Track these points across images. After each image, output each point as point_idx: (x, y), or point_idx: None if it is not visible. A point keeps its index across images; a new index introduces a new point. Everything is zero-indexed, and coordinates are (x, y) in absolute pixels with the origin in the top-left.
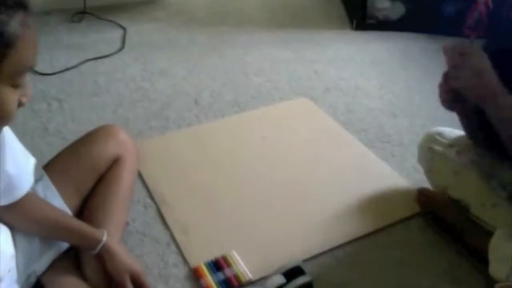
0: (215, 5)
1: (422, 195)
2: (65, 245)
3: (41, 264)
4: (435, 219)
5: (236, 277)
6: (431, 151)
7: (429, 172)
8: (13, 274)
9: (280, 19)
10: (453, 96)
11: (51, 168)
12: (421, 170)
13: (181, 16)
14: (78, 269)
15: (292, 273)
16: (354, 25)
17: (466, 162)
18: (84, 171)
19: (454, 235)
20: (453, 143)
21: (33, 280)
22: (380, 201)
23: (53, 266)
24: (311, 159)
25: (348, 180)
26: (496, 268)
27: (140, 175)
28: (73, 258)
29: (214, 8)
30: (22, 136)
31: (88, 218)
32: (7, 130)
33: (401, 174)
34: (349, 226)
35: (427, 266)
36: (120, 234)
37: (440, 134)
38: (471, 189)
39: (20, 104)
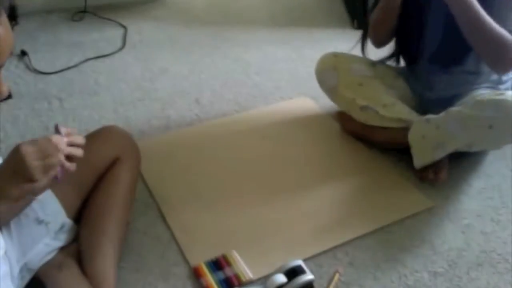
0: (216, 4)
1: (340, 114)
2: (62, 240)
3: (33, 257)
4: (353, 134)
5: (237, 276)
6: (335, 69)
7: (335, 88)
8: (5, 267)
9: (281, 18)
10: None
11: None
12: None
13: (182, 15)
14: (78, 264)
15: (293, 272)
16: (355, 24)
17: (367, 72)
18: (83, 172)
19: (365, 138)
20: (352, 60)
21: (26, 274)
22: (380, 201)
23: (52, 261)
24: (311, 158)
25: (349, 179)
26: (420, 155)
27: (141, 174)
28: (73, 253)
29: (215, 7)
30: (23, 135)
31: (88, 218)
32: None
33: (402, 173)
34: (350, 225)
35: (426, 265)
36: (121, 234)
37: (336, 55)
38: (375, 95)
39: None
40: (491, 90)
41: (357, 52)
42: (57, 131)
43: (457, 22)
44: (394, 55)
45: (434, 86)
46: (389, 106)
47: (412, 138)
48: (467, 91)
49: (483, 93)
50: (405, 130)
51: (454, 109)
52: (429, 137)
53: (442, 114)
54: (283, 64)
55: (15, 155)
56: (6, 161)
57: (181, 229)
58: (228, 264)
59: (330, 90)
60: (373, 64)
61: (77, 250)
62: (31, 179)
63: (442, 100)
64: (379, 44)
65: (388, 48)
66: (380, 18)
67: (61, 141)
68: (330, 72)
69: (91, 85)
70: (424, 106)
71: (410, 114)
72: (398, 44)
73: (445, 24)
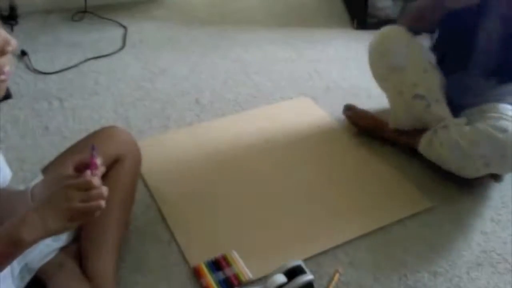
0: (215, 4)
1: (349, 109)
2: (63, 240)
3: (33, 258)
4: (361, 129)
5: (236, 276)
6: (408, 47)
7: (403, 69)
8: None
9: (281, 18)
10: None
11: (51, 169)
12: (424, 171)
13: (182, 15)
14: (78, 264)
15: (293, 272)
16: (355, 24)
17: (433, 60)
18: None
19: (376, 135)
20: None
21: (26, 274)
22: (380, 201)
23: (53, 261)
24: (311, 158)
25: (349, 179)
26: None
27: (141, 174)
28: (74, 253)
29: (215, 7)
30: (23, 135)
31: None
32: None
33: (402, 174)
34: (349, 225)
35: (426, 266)
36: (121, 234)
37: (405, 32)
38: (434, 87)
39: (2, 52)
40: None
41: (359, 51)
42: (92, 152)
43: None
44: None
45: (468, 95)
46: (440, 102)
47: (422, 148)
48: (493, 101)
49: (493, 112)
50: (416, 136)
51: (453, 135)
52: (434, 146)
53: (445, 134)
54: (283, 64)
55: (62, 195)
56: (51, 197)
57: (181, 229)
58: (228, 264)
59: (393, 68)
60: None
61: (77, 250)
62: (72, 220)
63: (466, 106)
64: (414, 33)
65: None
66: (423, 15)
67: (103, 188)
68: (401, 48)
69: (91, 85)
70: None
71: (447, 115)
72: (442, 50)
73: (502, 36)
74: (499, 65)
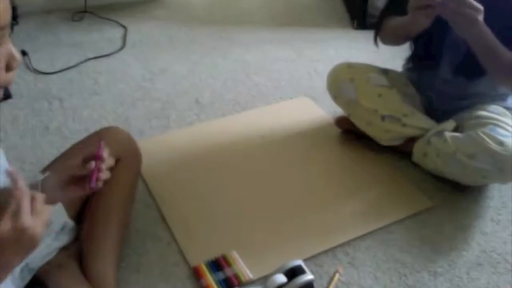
0: (216, 4)
1: (341, 120)
2: (63, 240)
3: (34, 258)
4: (355, 134)
5: (236, 276)
6: (353, 81)
7: (355, 101)
8: None
9: (281, 18)
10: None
11: (51, 169)
12: (424, 171)
13: (182, 15)
14: (79, 264)
15: (293, 272)
16: (355, 24)
17: (384, 82)
18: None
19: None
20: (367, 70)
21: (26, 274)
22: (380, 201)
23: (53, 261)
24: (311, 158)
25: (348, 179)
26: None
27: (141, 174)
28: (74, 253)
29: (215, 7)
30: (23, 135)
31: (89, 218)
32: None
33: (402, 173)
34: (349, 225)
35: (426, 266)
36: (121, 234)
37: (350, 66)
38: (394, 105)
39: (9, 68)
40: (496, 107)
41: (359, 51)
42: (100, 143)
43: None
44: (412, 62)
45: (445, 95)
46: (409, 115)
47: (417, 159)
48: (475, 103)
49: (485, 118)
50: (410, 141)
51: (450, 146)
52: (430, 156)
53: (440, 144)
54: (283, 64)
55: None
56: None
57: (181, 229)
58: (228, 264)
59: (349, 103)
60: (386, 71)
61: (77, 250)
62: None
63: (448, 111)
64: (390, 45)
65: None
66: (398, 31)
67: (45, 210)
68: (347, 84)
69: (91, 85)
70: (429, 113)
71: (427, 123)
72: (416, 51)
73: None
74: (467, 61)
